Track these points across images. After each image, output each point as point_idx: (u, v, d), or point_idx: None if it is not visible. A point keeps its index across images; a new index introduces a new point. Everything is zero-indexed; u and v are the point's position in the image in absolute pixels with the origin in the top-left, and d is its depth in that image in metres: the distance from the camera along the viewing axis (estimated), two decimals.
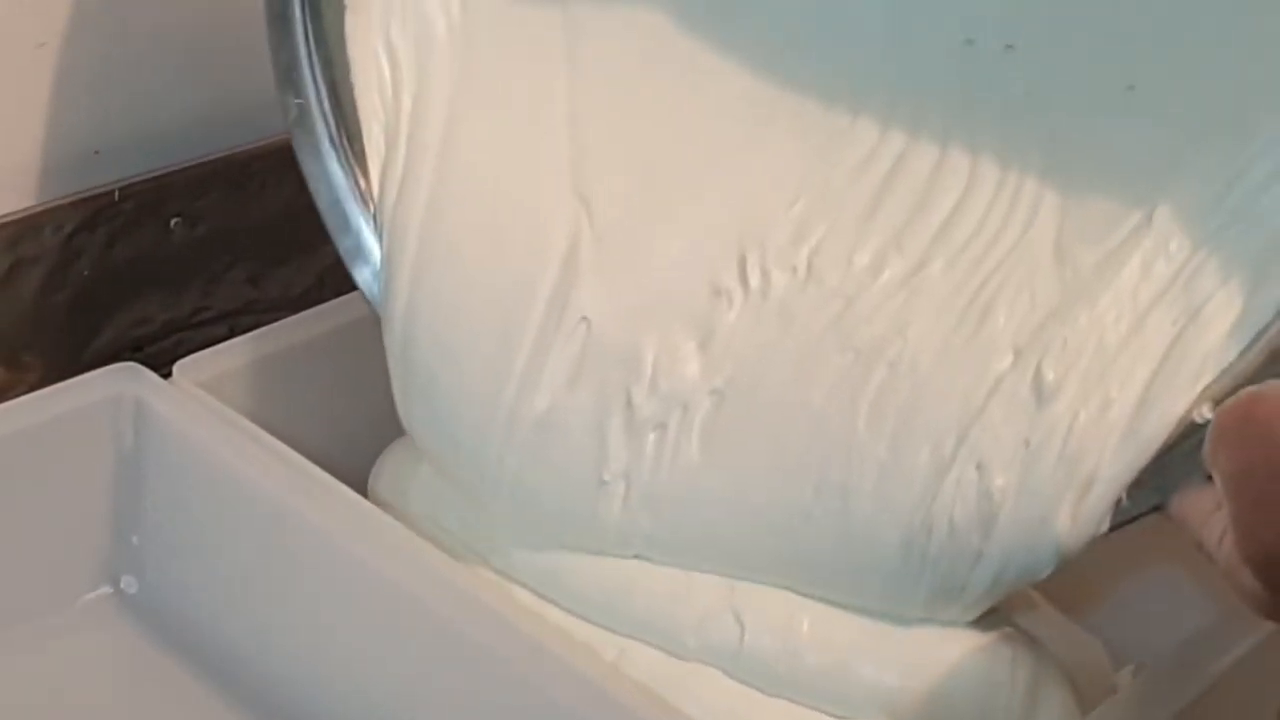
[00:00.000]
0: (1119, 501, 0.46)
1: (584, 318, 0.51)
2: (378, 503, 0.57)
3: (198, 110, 0.67)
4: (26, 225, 0.63)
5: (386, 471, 0.59)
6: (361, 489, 0.58)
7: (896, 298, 0.49)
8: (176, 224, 0.67)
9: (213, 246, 0.68)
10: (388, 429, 0.60)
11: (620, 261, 0.51)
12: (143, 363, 0.59)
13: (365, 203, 0.55)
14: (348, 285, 0.70)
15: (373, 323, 0.62)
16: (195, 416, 0.56)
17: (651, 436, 0.50)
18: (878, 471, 0.48)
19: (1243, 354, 0.46)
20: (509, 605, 0.52)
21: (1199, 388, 0.46)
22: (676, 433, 0.50)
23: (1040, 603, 0.56)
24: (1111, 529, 0.47)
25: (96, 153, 0.65)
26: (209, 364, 0.59)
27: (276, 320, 0.62)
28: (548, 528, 0.53)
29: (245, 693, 0.55)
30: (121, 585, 0.59)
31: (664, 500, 0.51)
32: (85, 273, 0.65)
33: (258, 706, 0.55)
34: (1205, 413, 0.45)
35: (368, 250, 0.55)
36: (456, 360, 0.52)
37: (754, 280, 0.50)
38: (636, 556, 0.53)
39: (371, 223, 0.54)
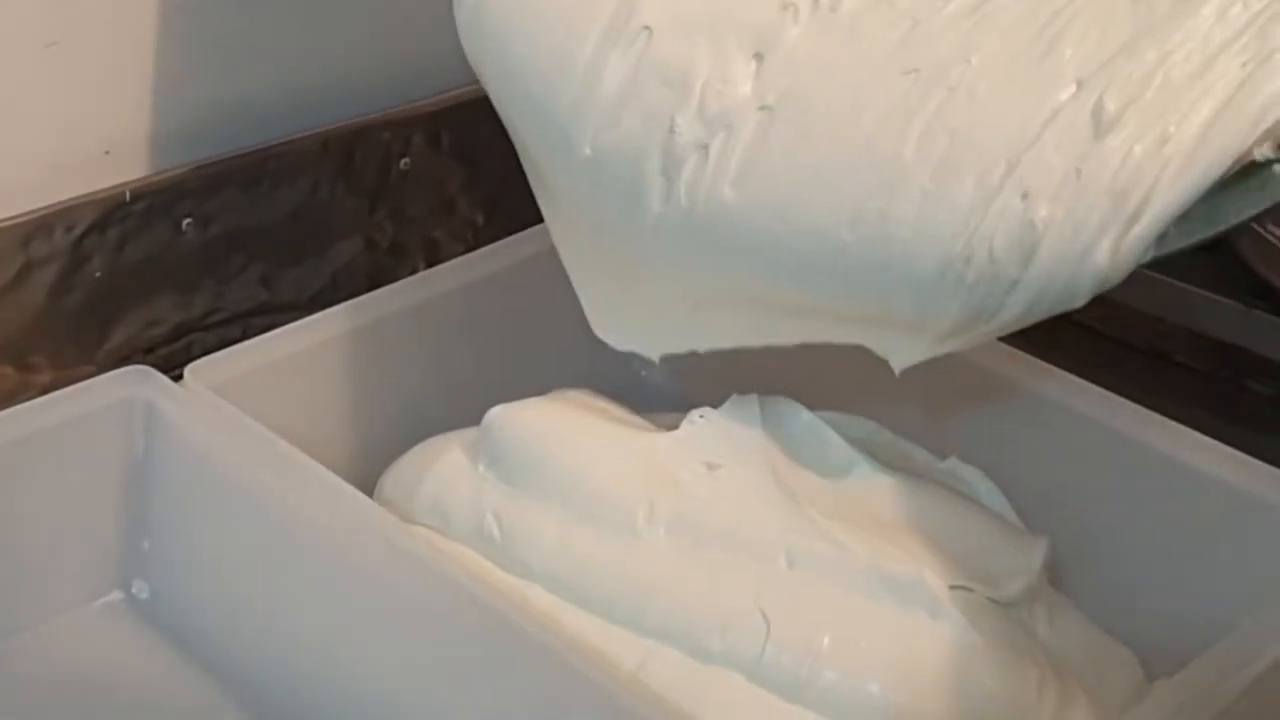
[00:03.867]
0: (1165, 235, 0.46)
1: (646, 26, 0.51)
2: (386, 506, 0.56)
3: (209, 109, 0.67)
4: (37, 226, 0.63)
5: (396, 475, 0.58)
6: (372, 492, 0.57)
7: (966, 23, 0.48)
8: (188, 224, 0.66)
9: (225, 247, 0.68)
10: (400, 433, 0.60)
11: None
12: (154, 365, 0.59)
13: None
14: (361, 286, 0.70)
15: (386, 325, 0.62)
16: (206, 420, 0.56)
17: (690, 162, 0.50)
18: (920, 198, 0.47)
19: None
20: (525, 611, 0.51)
21: (1262, 128, 0.45)
22: (716, 157, 0.50)
23: (1071, 611, 0.55)
24: (1153, 262, 0.46)
25: (107, 153, 0.65)
26: (220, 367, 0.58)
27: (290, 321, 0.62)
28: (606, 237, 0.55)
29: (256, 697, 0.55)
30: (133, 590, 0.58)
31: (696, 225, 0.51)
32: (96, 274, 0.65)
33: (269, 711, 0.54)
34: (1266, 151, 0.45)
35: None
36: (524, 49, 0.52)
37: None
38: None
39: None
